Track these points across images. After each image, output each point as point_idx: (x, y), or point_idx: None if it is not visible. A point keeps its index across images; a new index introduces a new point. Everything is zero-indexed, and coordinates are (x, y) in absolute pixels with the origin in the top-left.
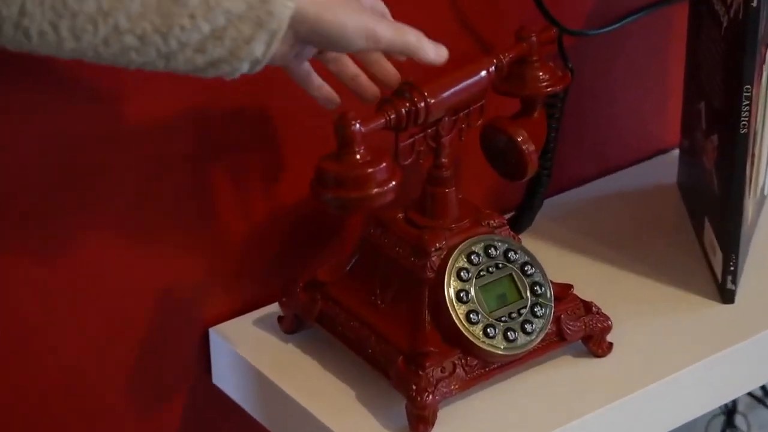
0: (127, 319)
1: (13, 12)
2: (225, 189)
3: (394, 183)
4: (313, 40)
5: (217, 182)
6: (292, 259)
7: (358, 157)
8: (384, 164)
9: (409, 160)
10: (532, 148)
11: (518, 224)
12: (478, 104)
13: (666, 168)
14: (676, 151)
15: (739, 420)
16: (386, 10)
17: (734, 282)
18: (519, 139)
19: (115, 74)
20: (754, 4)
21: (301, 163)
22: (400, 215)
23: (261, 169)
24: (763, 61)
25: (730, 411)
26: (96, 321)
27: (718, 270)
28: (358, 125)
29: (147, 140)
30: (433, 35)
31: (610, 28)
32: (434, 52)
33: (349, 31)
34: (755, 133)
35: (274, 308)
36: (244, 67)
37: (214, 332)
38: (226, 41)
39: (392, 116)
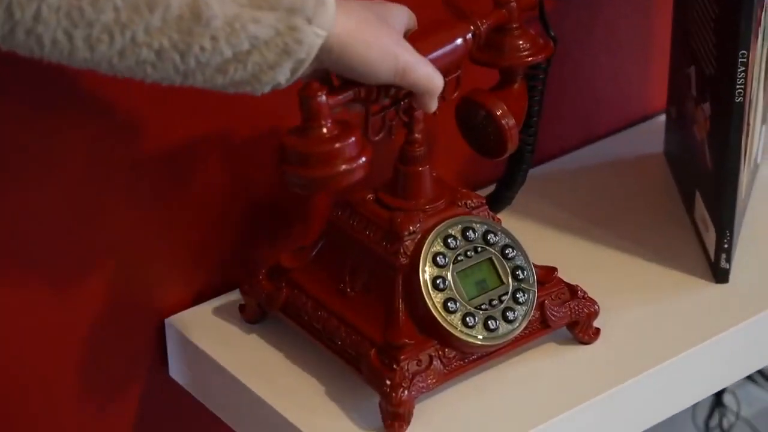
0: (76, 308)
1: (27, 16)
2: (182, 168)
3: (363, 159)
4: (338, 69)
5: (173, 161)
6: (254, 244)
7: (324, 130)
8: (353, 139)
9: (380, 135)
10: (512, 122)
11: (497, 203)
12: (454, 75)
13: (651, 136)
14: (662, 118)
15: (727, 398)
16: (416, 23)
17: (728, 260)
18: (498, 113)
19: None
20: None
21: (262, 142)
22: (370, 196)
23: (220, 148)
24: (759, 24)
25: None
26: (43, 310)
27: (711, 248)
28: (323, 97)
29: (97, 118)
30: None
31: None
32: (435, 106)
33: (377, 66)
34: (750, 102)
35: (235, 296)
36: (267, 89)
37: (170, 322)
38: (248, 66)
39: (362, 87)
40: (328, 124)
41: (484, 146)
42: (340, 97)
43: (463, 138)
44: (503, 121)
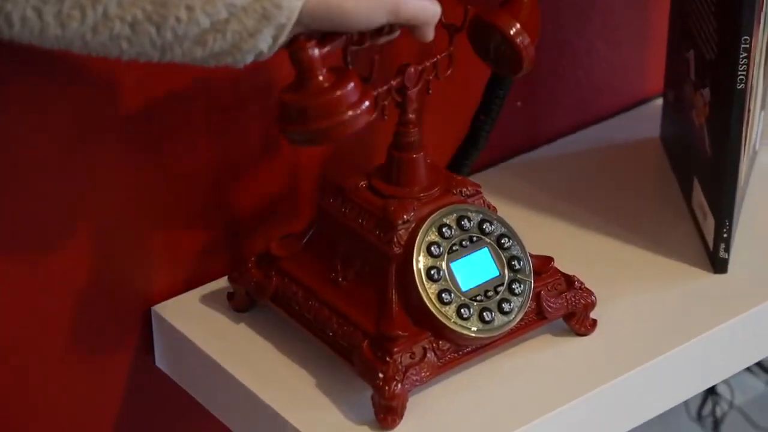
0: (61, 296)
1: None
2: (168, 150)
3: (367, 104)
4: (331, 27)
5: (160, 143)
6: (243, 230)
7: (320, 78)
8: (351, 84)
9: (373, 116)
10: (527, 41)
11: (463, 164)
12: (446, 53)
13: (648, 120)
14: (658, 102)
15: (720, 387)
16: None
17: (727, 250)
18: (511, 33)
19: None
20: None
21: (251, 122)
22: (362, 183)
23: (208, 129)
24: (761, 9)
25: None
26: (26, 298)
27: (710, 237)
28: (315, 50)
29: (80, 98)
30: None
31: None
32: (432, 36)
33: (367, 14)
34: (750, 88)
35: (223, 283)
36: (248, 59)
37: (156, 310)
38: (228, 35)
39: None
40: (324, 74)
41: (501, 65)
42: (334, 43)
43: (478, 57)
44: (518, 41)
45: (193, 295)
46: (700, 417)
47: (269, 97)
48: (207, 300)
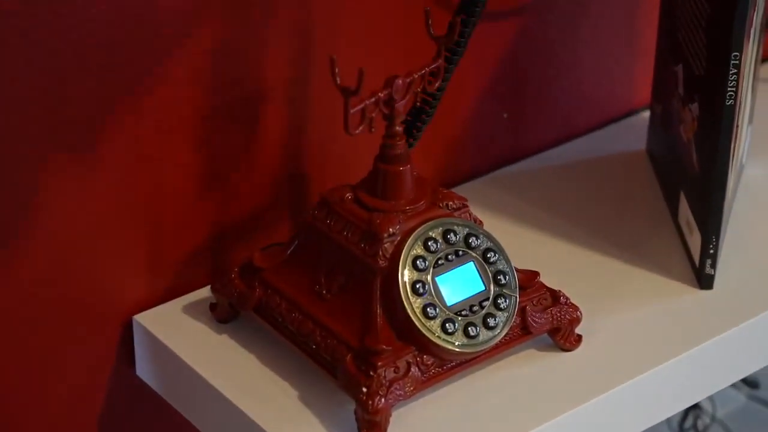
0: (38, 305)
1: None
2: (150, 155)
3: None
4: None
5: (142, 149)
6: (227, 239)
7: None
8: None
9: (360, 129)
10: None
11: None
12: (435, 65)
13: (634, 133)
14: (646, 114)
15: (702, 400)
16: None
17: (713, 266)
18: None
19: None
20: None
21: (235, 131)
22: (348, 195)
23: (192, 136)
24: (751, 25)
25: None
26: (4, 303)
27: (696, 252)
28: None
29: (60, 99)
30: None
31: None
32: None
33: None
34: (739, 104)
35: (206, 293)
36: None
37: (138, 320)
38: None
39: None
40: None
41: None
42: None
43: None
44: None
45: (176, 305)
46: (682, 430)
47: (255, 105)
48: (189, 310)
